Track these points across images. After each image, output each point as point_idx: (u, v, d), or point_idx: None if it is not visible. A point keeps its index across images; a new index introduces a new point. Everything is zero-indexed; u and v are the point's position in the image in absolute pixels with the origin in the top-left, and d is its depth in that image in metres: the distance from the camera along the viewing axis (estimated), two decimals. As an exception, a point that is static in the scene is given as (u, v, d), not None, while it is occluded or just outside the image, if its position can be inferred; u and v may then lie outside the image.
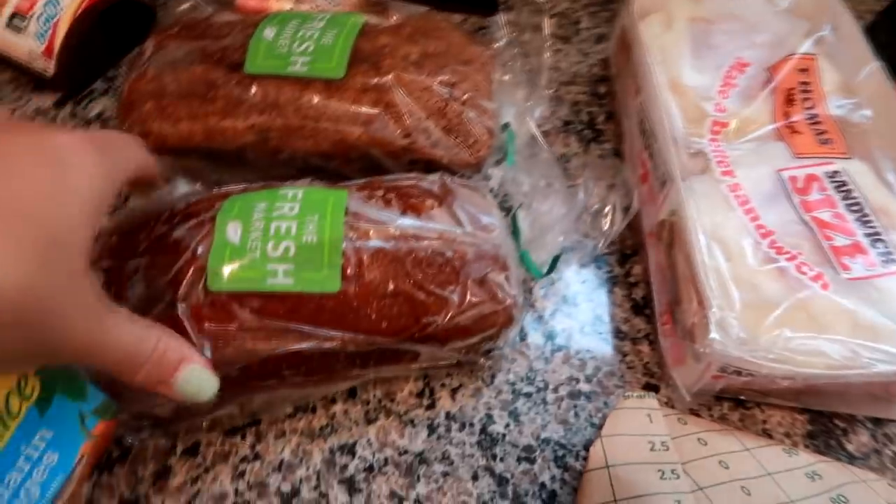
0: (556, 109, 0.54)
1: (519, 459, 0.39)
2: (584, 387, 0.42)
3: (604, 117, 0.54)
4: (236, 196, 0.35)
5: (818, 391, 0.39)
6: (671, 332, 0.41)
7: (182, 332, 0.31)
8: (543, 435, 0.40)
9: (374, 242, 0.34)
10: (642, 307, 0.45)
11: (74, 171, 0.25)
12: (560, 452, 0.39)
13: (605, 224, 0.40)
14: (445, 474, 0.38)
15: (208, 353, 0.31)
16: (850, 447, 0.40)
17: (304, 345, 0.33)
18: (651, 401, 0.35)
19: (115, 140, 0.30)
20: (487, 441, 0.40)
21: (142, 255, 0.33)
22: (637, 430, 0.33)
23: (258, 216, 0.34)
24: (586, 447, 0.40)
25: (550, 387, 0.42)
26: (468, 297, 0.35)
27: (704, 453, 0.34)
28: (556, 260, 0.41)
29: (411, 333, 0.34)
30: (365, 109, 0.41)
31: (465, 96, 0.42)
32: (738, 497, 0.32)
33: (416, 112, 0.41)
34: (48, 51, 0.48)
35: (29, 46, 0.48)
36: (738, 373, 0.37)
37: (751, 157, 0.43)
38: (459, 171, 0.42)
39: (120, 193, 0.31)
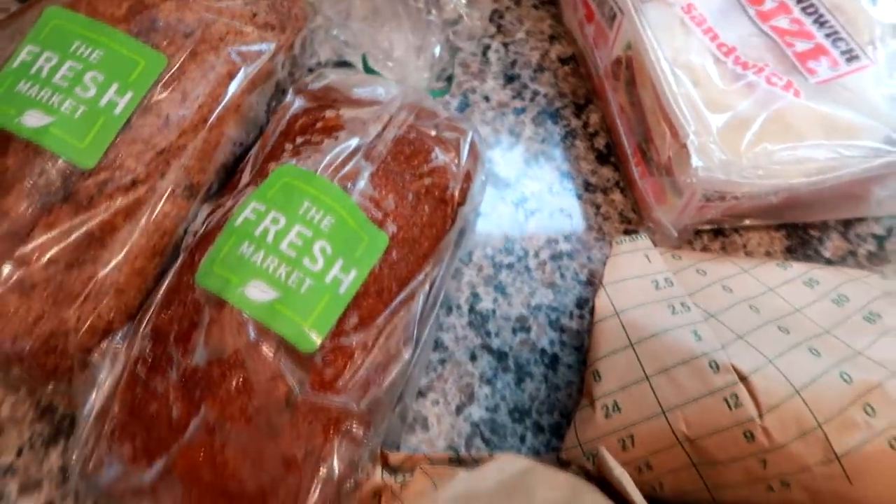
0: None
1: (514, 331, 0.38)
2: (564, 246, 0.40)
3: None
4: (205, 265, 0.29)
5: (794, 204, 0.38)
6: (645, 172, 0.39)
7: (323, 417, 0.27)
8: (533, 302, 0.38)
9: (362, 177, 0.31)
10: (607, 156, 0.43)
11: None
12: (553, 316, 0.38)
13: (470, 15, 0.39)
14: (443, 361, 0.36)
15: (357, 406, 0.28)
16: (826, 253, 0.41)
17: (414, 308, 0.30)
18: (645, 241, 0.33)
19: None
20: (478, 319, 0.38)
21: (196, 402, 0.27)
22: (638, 272, 0.32)
23: (259, 256, 0.28)
24: (579, 305, 0.38)
25: (531, 253, 0.40)
26: (449, 146, 0.33)
27: (706, 282, 0.33)
28: (451, 76, 0.39)
29: (450, 214, 0.32)
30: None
31: None
32: (749, 315, 0.31)
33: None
34: None
35: None
36: (723, 198, 0.36)
37: (698, -26, 0.40)
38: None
39: None
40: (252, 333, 0.27)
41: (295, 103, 0.34)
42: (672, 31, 0.38)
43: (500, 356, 0.37)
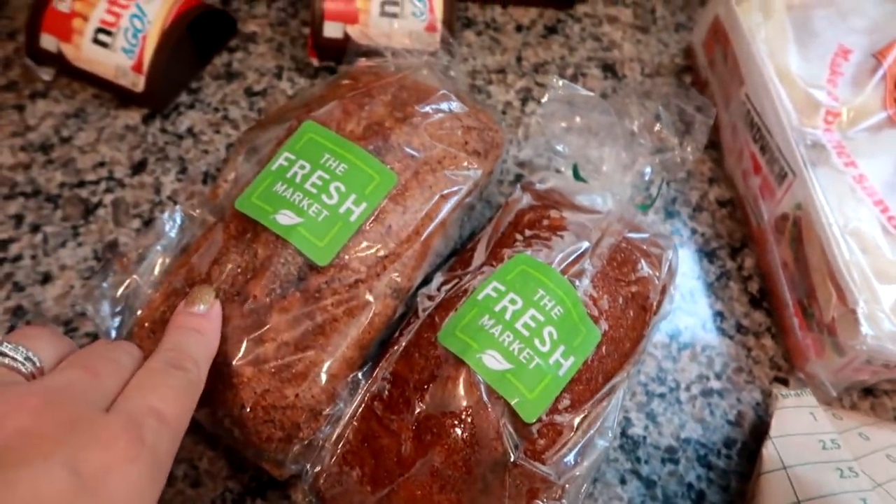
0: (646, 103, 0.53)
1: (663, 461, 0.39)
2: (714, 384, 0.42)
3: (694, 108, 0.53)
4: (448, 327, 0.33)
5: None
6: (804, 325, 0.41)
7: (528, 482, 0.31)
8: (683, 435, 0.40)
9: (586, 276, 0.35)
10: (759, 301, 0.45)
11: (113, 501, 0.23)
12: (702, 452, 0.40)
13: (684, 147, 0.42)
14: (594, 480, 0.38)
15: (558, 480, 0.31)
16: (979, 430, 0.41)
17: (614, 402, 0.34)
18: (810, 398, 0.35)
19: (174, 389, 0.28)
20: (630, 444, 0.40)
21: (426, 445, 0.31)
22: (806, 430, 0.34)
23: (497, 330, 0.32)
24: (727, 445, 0.40)
25: (682, 386, 0.42)
26: (654, 259, 0.38)
27: (870, 448, 0.34)
28: (659, 188, 0.45)
29: (647, 322, 0.36)
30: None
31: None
32: (915, 491, 0.32)
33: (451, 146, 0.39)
34: (138, 66, 0.47)
35: (117, 62, 0.47)
36: (887, 365, 0.37)
37: (869, 146, 0.43)
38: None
39: None
40: (484, 395, 0.31)
41: (523, 199, 0.40)
42: (842, 197, 0.40)
43: (649, 484, 0.38)
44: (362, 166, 0.36)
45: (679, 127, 0.43)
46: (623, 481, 0.38)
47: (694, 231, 0.48)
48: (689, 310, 0.45)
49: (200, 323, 0.31)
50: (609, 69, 0.55)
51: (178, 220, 0.38)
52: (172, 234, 0.38)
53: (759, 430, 0.39)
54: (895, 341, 0.35)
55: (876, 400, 0.42)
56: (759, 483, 0.32)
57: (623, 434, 0.40)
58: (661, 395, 0.41)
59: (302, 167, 0.36)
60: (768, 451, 0.33)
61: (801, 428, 0.34)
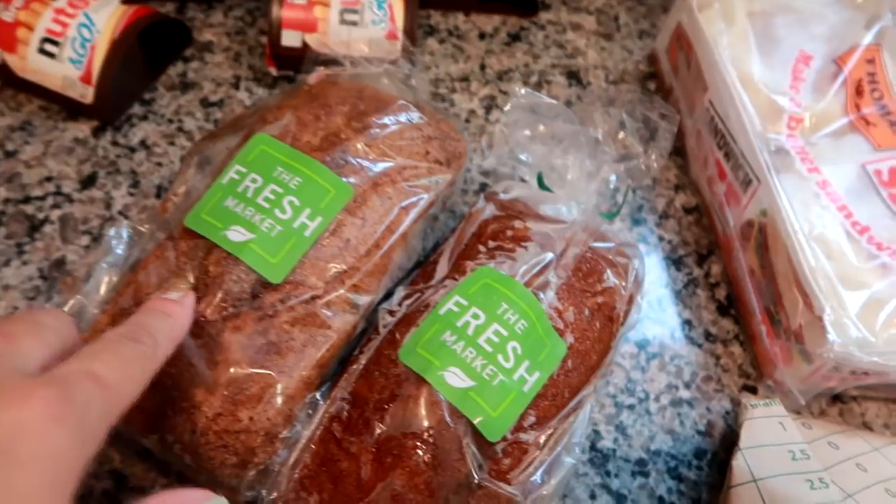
0: (610, 110, 0.53)
1: (633, 474, 0.38)
2: (684, 394, 0.41)
3: (658, 115, 0.53)
4: (409, 345, 0.32)
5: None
6: (772, 333, 0.40)
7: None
8: (653, 447, 0.39)
9: (550, 288, 0.34)
10: (727, 308, 0.45)
11: (24, 465, 0.20)
12: (672, 463, 0.39)
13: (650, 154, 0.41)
14: (564, 496, 0.37)
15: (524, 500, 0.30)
16: (946, 434, 0.41)
17: (581, 417, 0.33)
18: (778, 407, 0.35)
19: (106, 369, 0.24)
20: (599, 458, 0.39)
21: (387, 468, 0.29)
22: (775, 440, 0.33)
23: (459, 346, 0.31)
24: (697, 456, 0.39)
25: (651, 396, 0.41)
26: (620, 269, 0.37)
27: (839, 457, 0.34)
28: (624, 195, 0.43)
29: (614, 333, 0.36)
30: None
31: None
32: (885, 499, 0.31)
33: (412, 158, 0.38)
34: (86, 76, 0.45)
35: (64, 73, 0.45)
36: (854, 371, 0.37)
37: (832, 151, 0.43)
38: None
39: None
40: (446, 415, 0.30)
41: (486, 210, 0.39)
42: (807, 203, 0.40)
43: (620, 498, 0.38)
44: (317, 179, 0.35)
45: (644, 134, 0.43)
46: (593, 496, 0.38)
47: (661, 238, 0.47)
48: (657, 318, 0.44)
49: (171, 307, 0.30)
50: (573, 76, 0.54)
51: (126, 236, 0.37)
52: (119, 250, 0.36)
53: (730, 440, 0.38)
54: (861, 348, 0.35)
55: (844, 406, 0.41)
56: (729, 497, 0.32)
57: (592, 447, 0.39)
58: (631, 407, 0.41)
59: (254, 181, 0.35)
60: (738, 463, 0.32)
61: (770, 438, 0.33)
